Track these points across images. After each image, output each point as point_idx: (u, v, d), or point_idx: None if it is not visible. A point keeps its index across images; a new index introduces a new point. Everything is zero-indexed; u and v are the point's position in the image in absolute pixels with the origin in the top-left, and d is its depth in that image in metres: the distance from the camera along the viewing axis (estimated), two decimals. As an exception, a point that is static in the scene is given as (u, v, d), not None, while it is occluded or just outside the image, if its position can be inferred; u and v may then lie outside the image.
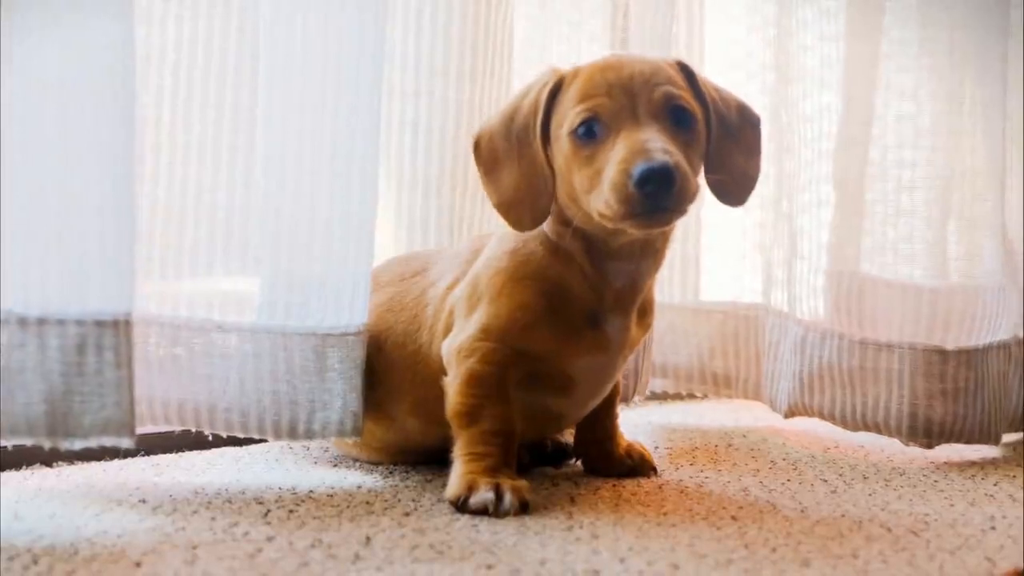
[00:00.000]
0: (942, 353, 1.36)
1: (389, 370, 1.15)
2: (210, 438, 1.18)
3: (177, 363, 1.11)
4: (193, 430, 1.13)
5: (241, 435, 1.13)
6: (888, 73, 1.43)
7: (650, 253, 1.09)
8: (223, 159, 1.14)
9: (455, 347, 1.08)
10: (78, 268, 0.96)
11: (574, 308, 1.07)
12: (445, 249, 1.26)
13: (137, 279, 1.02)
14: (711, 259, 1.62)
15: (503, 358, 1.07)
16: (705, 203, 1.60)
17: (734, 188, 1.10)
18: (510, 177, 1.07)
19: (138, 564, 0.84)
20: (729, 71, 1.58)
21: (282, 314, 1.12)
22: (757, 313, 1.54)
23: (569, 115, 1.03)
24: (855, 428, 1.40)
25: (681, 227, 1.57)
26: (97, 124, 0.96)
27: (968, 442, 1.37)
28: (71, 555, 0.86)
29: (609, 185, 0.98)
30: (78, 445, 0.96)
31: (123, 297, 0.98)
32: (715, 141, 1.07)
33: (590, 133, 1.01)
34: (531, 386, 1.09)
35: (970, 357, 1.37)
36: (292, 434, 1.12)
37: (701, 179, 1.07)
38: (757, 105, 1.52)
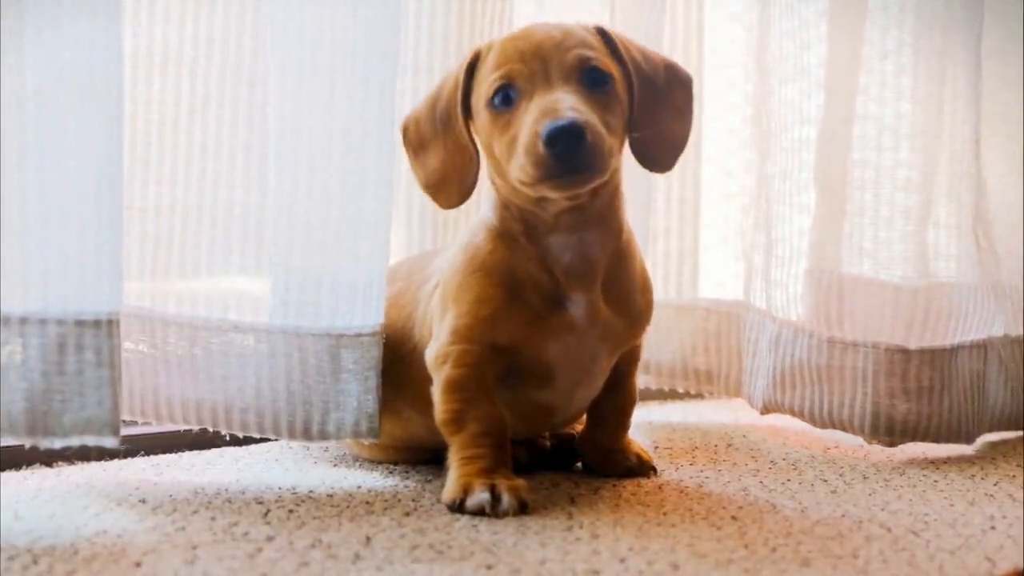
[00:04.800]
0: (905, 352, 1.35)
1: (393, 364, 1.15)
2: (211, 433, 1.18)
3: (195, 363, 1.11)
4: (204, 429, 1.13)
5: (257, 435, 1.13)
6: (870, 73, 1.43)
7: (593, 222, 1.08)
8: (238, 158, 1.14)
9: (432, 355, 1.09)
10: (60, 268, 0.96)
11: (530, 292, 1.07)
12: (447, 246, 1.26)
13: (156, 279, 1.02)
14: (704, 257, 1.62)
15: (476, 358, 1.06)
16: (703, 201, 1.61)
17: (659, 150, 1.10)
18: (436, 158, 1.09)
19: (138, 564, 0.84)
20: (725, 69, 1.58)
21: (296, 314, 1.11)
22: (738, 310, 1.53)
23: (484, 86, 1.04)
24: (823, 426, 1.40)
25: (678, 223, 1.59)
26: (82, 125, 0.96)
27: (935, 441, 1.36)
28: (71, 555, 0.86)
29: (523, 148, 0.99)
30: (58, 444, 0.96)
31: (106, 297, 0.97)
32: (639, 101, 1.07)
33: (506, 100, 1.03)
34: (513, 381, 1.10)
35: (934, 356, 1.36)
36: (307, 435, 1.12)
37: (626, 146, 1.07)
38: (751, 104, 1.54)
